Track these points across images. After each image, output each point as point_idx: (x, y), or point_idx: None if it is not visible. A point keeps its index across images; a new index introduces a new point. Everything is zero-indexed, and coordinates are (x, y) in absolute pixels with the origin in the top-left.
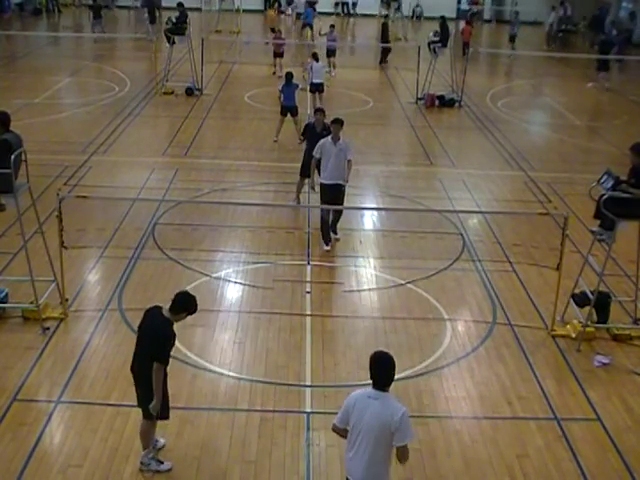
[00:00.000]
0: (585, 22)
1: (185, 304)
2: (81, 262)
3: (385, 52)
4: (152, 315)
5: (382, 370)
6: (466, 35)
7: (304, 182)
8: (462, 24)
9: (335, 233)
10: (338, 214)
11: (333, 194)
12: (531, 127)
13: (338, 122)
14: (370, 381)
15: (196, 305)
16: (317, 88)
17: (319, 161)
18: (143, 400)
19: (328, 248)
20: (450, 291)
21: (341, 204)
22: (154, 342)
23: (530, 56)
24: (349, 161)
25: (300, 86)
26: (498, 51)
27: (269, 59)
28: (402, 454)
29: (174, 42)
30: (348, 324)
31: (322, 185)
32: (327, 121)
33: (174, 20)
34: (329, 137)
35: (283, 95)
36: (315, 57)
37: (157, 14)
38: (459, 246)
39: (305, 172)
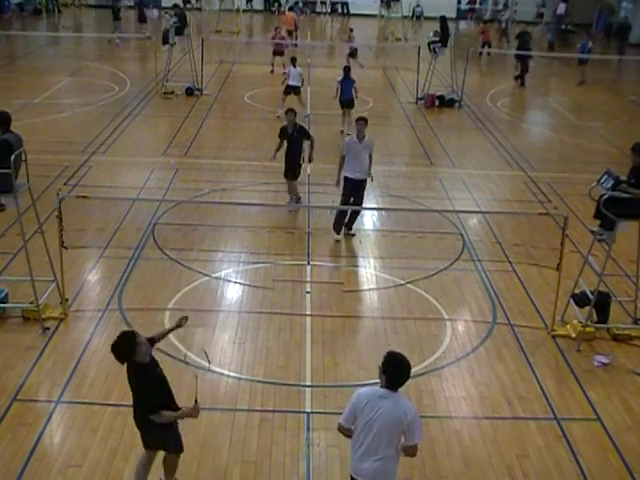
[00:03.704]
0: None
1: (128, 345)
2: (81, 262)
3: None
4: (130, 364)
5: (402, 374)
6: (486, 35)
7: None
8: (461, 24)
9: (349, 229)
10: (357, 212)
11: (356, 188)
12: (531, 127)
13: (363, 120)
14: (371, 380)
15: (134, 339)
16: (293, 90)
17: (343, 158)
18: (159, 442)
19: (339, 237)
20: (450, 291)
21: (362, 197)
22: (139, 392)
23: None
24: (370, 157)
25: (355, 82)
26: (498, 51)
27: (269, 58)
28: (411, 452)
29: (174, 43)
30: (348, 324)
31: (347, 178)
32: (299, 122)
33: (175, 20)
34: (354, 135)
35: (341, 87)
36: (293, 62)
37: (146, 14)
38: (459, 246)
39: (291, 174)
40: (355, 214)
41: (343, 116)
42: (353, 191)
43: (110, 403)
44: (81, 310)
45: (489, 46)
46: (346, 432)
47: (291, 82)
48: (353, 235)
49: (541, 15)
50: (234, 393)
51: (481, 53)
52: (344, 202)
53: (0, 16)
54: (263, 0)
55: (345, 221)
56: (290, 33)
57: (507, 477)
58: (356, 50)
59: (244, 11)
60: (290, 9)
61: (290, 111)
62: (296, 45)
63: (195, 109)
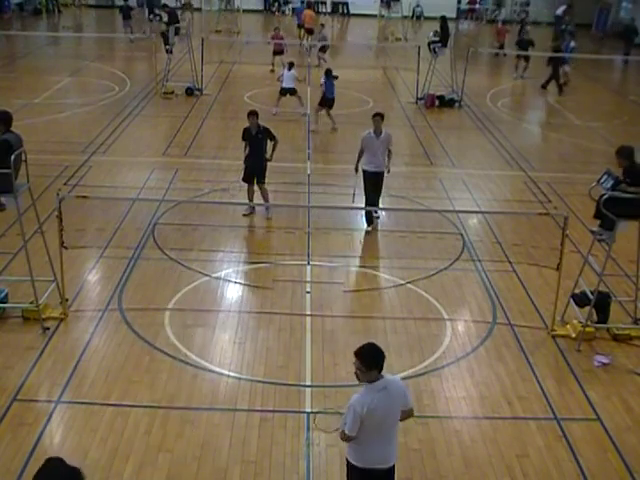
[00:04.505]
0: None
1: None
2: (81, 262)
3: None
4: None
5: (383, 356)
6: (501, 36)
7: (252, 189)
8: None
9: (375, 212)
10: (378, 192)
11: (376, 179)
12: (531, 127)
13: (379, 116)
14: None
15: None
16: (288, 92)
17: (362, 152)
18: None
19: (368, 228)
20: (450, 291)
21: (381, 187)
22: None
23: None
24: (389, 151)
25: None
26: (499, 51)
27: (269, 58)
28: (411, 414)
29: (174, 42)
30: (348, 324)
31: (367, 172)
32: (262, 123)
33: (165, 21)
34: (371, 131)
35: (325, 87)
36: (290, 66)
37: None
38: (459, 246)
39: (247, 177)
40: (377, 194)
41: (316, 113)
42: (372, 183)
43: (110, 403)
44: (81, 310)
45: (502, 47)
46: (352, 439)
47: (284, 84)
48: (377, 217)
49: (525, 13)
50: (234, 393)
51: (497, 54)
52: (367, 193)
53: (0, 16)
54: (263, 0)
55: (372, 216)
56: (309, 31)
57: (507, 477)
58: (327, 46)
59: (244, 11)
60: (308, 7)
61: (252, 113)
62: (320, 48)
63: (195, 109)
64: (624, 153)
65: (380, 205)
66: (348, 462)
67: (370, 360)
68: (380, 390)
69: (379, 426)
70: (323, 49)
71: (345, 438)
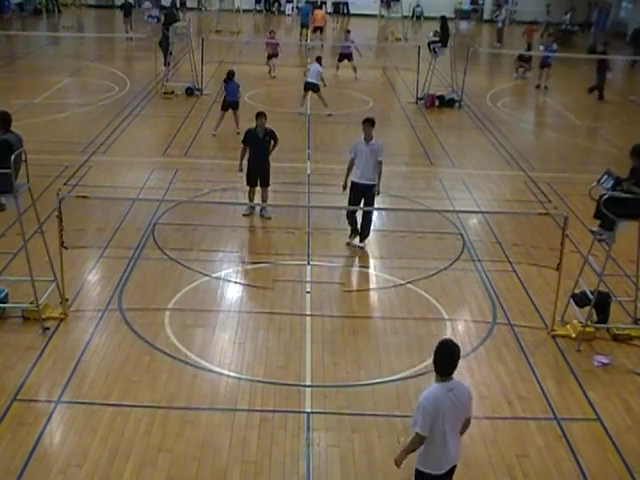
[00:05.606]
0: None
1: None
2: (81, 262)
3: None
4: None
5: (456, 359)
6: (530, 36)
7: (254, 190)
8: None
9: (361, 241)
10: (367, 220)
11: (363, 193)
12: (531, 127)
13: (369, 122)
14: (371, 380)
15: None
16: (311, 88)
17: (352, 161)
18: None
19: (348, 240)
20: (450, 291)
21: (372, 204)
22: None
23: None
24: (380, 162)
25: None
26: (498, 51)
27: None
28: (468, 423)
29: (174, 42)
30: (348, 324)
31: (353, 183)
32: (269, 126)
33: (162, 20)
34: (362, 137)
35: (226, 90)
36: (318, 60)
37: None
38: (459, 246)
39: (252, 181)
40: (365, 224)
41: (304, 98)
42: (357, 198)
43: (110, 403)
44: (81, 310)
45: (530, 47)
46: (424, 440)
47: (308, 79)
48: (361, 248)
49: (501, 6)
50: (234, 393)
51: (530, 58)
52: (350, 210)
53: (0, 16)
54: (263, 0)
55: (357, 228)
56: (318, 30)
57: (507, 477)
58: (351, 54)
59: (244, 11)
60: (319, 7)
61: (261, 115)
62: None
63: (195, 109)
64: (637, 151)
65: (374, 219)
66: (419, 472)
67: (441, 353)
68: (448, 390)
69: (449, 422)
70: (349, 58)
71: (419, 440)
